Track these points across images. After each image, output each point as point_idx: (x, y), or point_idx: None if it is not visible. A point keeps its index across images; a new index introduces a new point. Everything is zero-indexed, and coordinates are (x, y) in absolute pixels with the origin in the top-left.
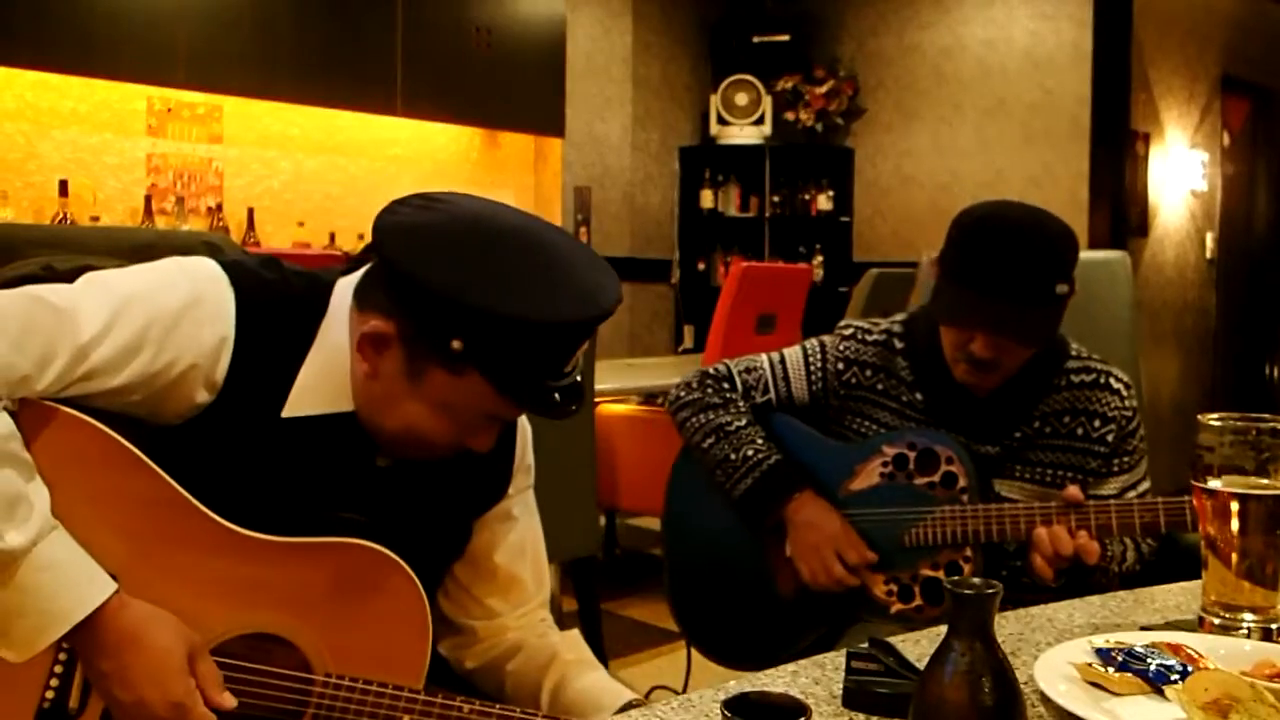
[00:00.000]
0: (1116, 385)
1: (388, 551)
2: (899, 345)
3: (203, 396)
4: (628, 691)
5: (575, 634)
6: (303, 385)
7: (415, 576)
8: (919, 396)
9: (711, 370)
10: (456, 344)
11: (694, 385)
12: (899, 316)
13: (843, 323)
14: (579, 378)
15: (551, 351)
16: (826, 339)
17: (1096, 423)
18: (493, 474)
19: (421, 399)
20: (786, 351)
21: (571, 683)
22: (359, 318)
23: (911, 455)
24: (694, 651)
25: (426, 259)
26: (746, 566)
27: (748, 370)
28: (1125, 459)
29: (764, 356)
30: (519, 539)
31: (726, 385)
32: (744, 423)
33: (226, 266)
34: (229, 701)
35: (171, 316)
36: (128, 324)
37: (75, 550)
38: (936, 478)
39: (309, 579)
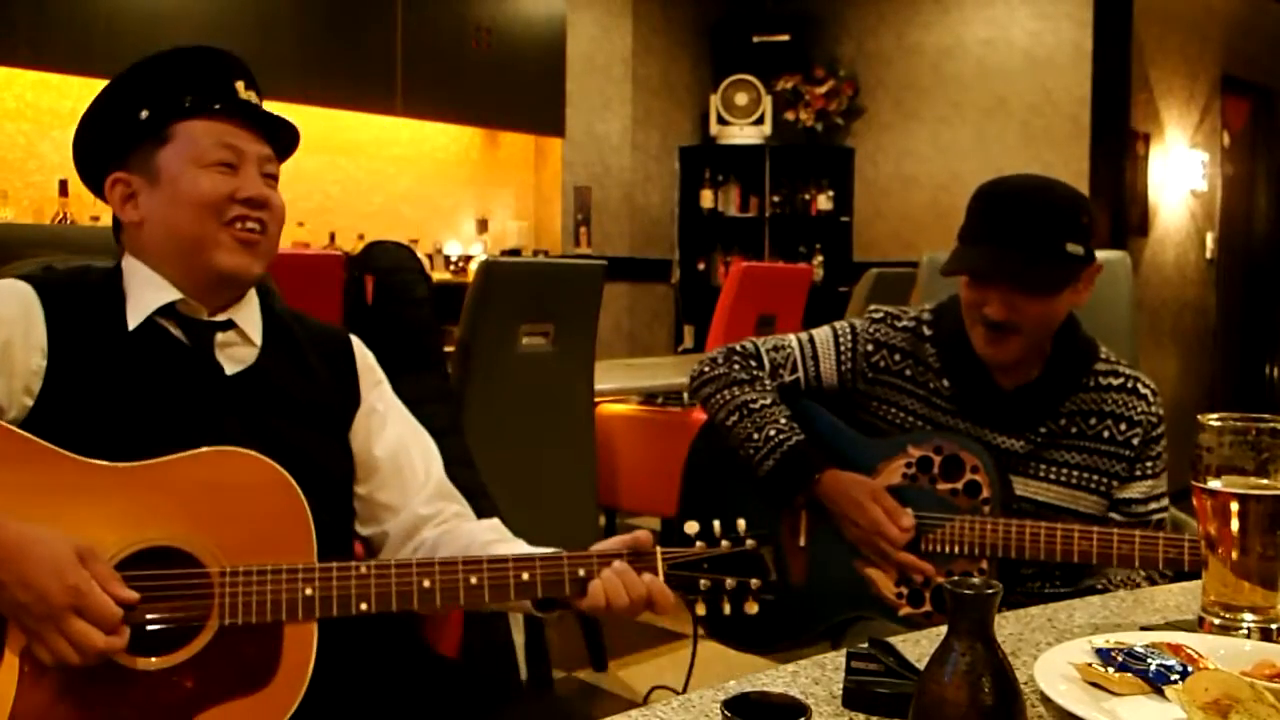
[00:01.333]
0: (1144, 390)
1: (242, 449)
2: (928, 333)
3: (37, 360)
4: (553, 549)
5: (495, 521)
6: (133, 303)
7: (276, 464)
8: (946, 384)
9: (739, 346)
10: (142, 113)
11: (719, 360)
12: (928, 305)
13: (872, 307)
14: (261, 108)
15: (202, 74)
16: (856, 321)
17: (1123, 426)
18: (340, 380)
19: (174, 180)
20: (815, 332)
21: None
22: (121, 216)
23: (936, 459)
24: (696, 651)
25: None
26: None
27: (776, 349)
28: (1149, 464)
29: (792, 336)
30: (394, 431)
31: (753, 362)
32: (768, 401)
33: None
34: (130, 594)
35: None
36: None
37: None
38: (959, 485)
39: (181, 490)
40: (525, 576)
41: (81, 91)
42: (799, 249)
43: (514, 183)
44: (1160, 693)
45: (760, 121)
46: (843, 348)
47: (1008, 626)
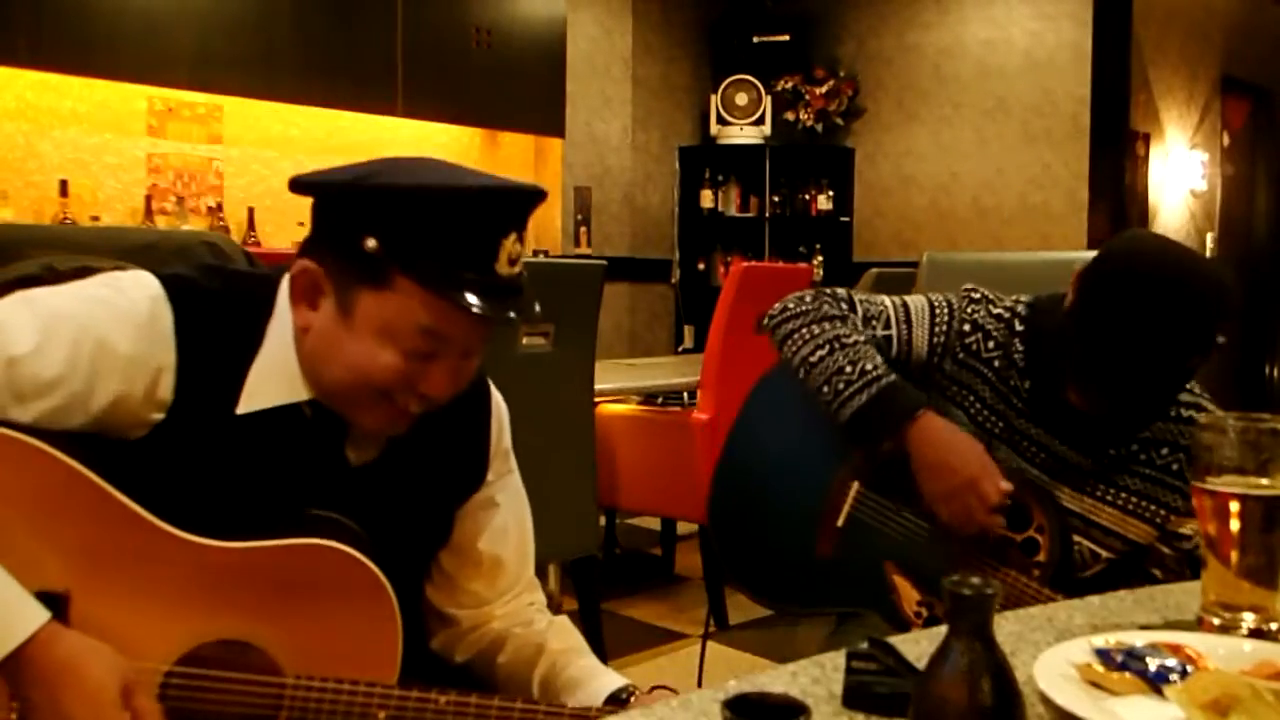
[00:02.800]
0: None
1: (350, 549)
2: (1019, 327)
3: (154, 415)
4: (619, 678)
5: (565, 620)
6: (255, 381)
7: (379, 572)
8: (1026, 385)
9: (828, 290)
10: (371, 242)
11: (807, 299)
12: (1024, 297)
13: (969, 285)
14: (519, 280)
15: (469, 231)
16: (952, 297)
17: None
18: (469, 460)
19: (360, 334)
20: (908, 298)
21: (561, 673)
22: (293, 307)
23: (1007, 501)
24: (705, 648)
25: (331, 172)
26: (794, 513)
27: (869, 301)
28: None
29: (884, 296)
30: (503, 524)
31: (845, 305)
32: (863, 339)
33: (165, 281)
34: None
35: (103, 339)
36: (57, 346)
37: (5, 580)
38: (1018, 537)
39: (271, 582)
40: None
41: (81, 91)
42: (799, 249)
43: None
44: (1160, 693)
45: (760, 121)
46: (938, 319)
47: (1008, 626)
